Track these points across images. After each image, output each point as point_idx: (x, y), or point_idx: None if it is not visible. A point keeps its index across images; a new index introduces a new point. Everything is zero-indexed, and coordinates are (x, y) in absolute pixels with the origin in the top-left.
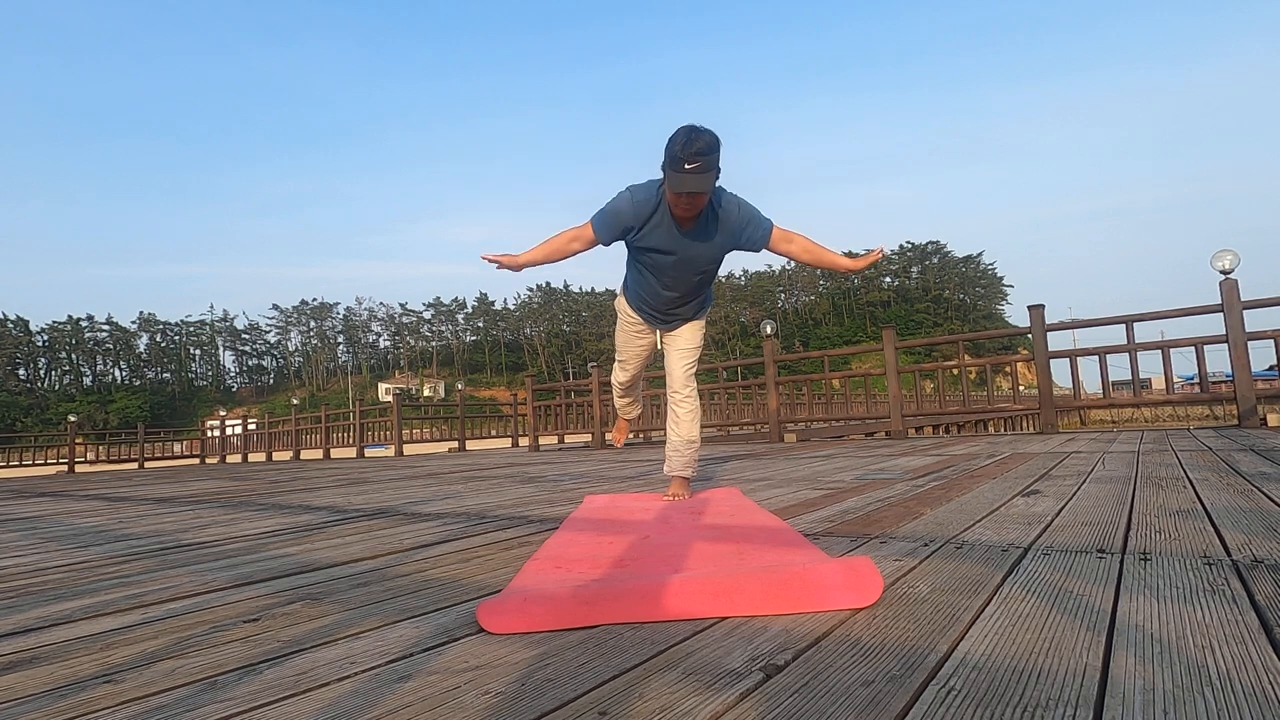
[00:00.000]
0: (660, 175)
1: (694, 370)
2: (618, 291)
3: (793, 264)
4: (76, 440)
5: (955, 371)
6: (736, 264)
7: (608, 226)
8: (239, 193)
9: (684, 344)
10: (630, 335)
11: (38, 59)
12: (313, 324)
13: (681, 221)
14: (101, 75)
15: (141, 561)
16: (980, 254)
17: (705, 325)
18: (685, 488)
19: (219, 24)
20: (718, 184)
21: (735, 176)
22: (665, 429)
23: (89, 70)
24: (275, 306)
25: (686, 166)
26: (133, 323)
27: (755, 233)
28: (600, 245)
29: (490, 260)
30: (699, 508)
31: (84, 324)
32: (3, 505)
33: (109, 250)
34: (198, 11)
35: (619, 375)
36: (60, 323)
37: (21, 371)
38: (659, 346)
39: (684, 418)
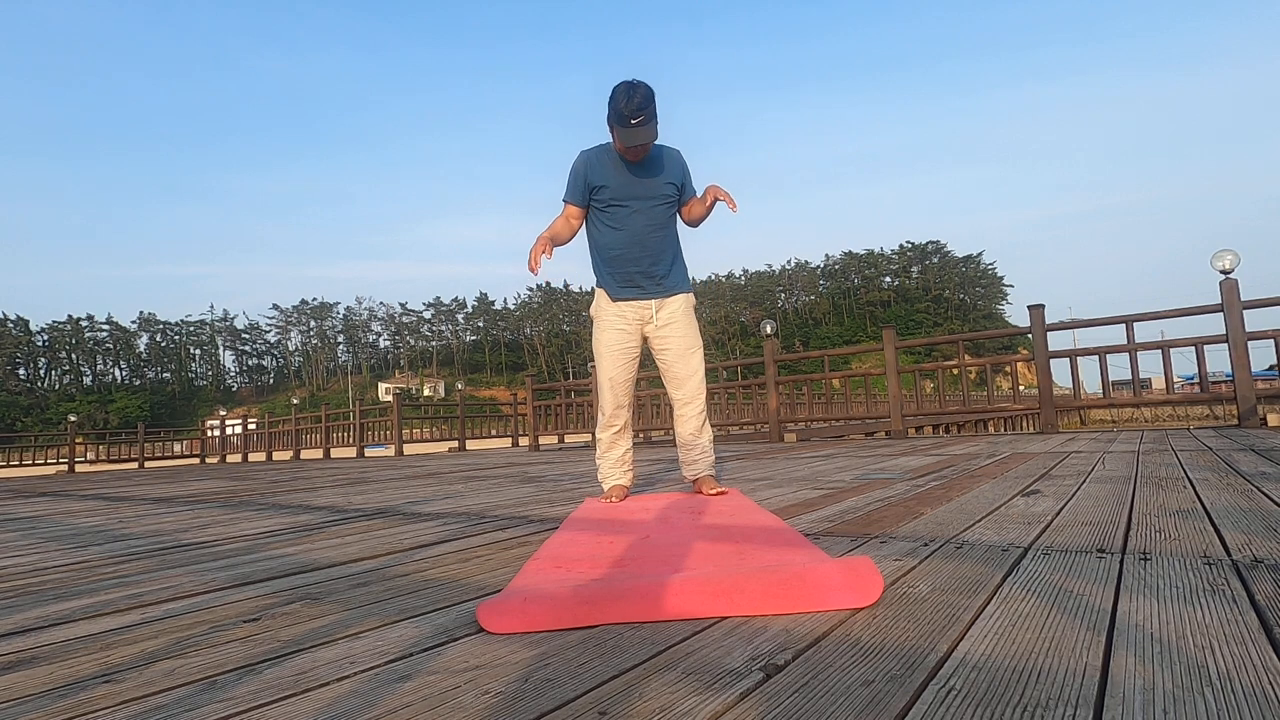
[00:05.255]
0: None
1: (702, 366)
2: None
3: (792, 263)
4: (76, 440)
5: (955, 371)
6: (736, 264)
7: (573, 188)
8: (239, 193)
9: (686, 343)
10: (611, 336)
11: (40, 61)
12: (313, 324)
13: (629, 154)
14: (101, 76)
15: (141, 561)
16: (980, 254)
17: (694, 312)
18: (717, 480)
19: (219, 26)
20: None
21: (737, 175)
22: (674, 432)
23: (89, 71)
24: (275, 306)
25: (633, 122)
26: (133, 323)
27: (690, 180)
28: (579, 210)
29: (537, 259)
30: (699, 508)
31: (84, 324)
32: (3, 505)
33: (109, 250)
34: (198, 14)
35: (605, 400)
36: (60, 323)
37: (21, 371)
38: (647, 342)
39: (695, 418)
